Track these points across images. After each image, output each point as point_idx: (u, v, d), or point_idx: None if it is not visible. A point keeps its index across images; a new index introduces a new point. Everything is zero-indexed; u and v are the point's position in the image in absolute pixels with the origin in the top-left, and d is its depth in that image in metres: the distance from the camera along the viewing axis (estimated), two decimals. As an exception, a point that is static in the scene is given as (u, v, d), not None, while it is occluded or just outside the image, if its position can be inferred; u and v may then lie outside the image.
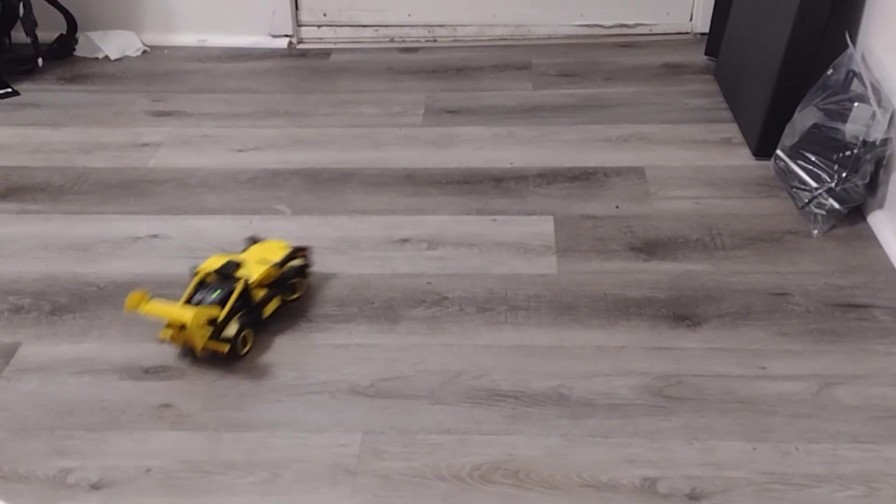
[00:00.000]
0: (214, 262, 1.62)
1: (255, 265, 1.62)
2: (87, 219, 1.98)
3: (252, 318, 1.59)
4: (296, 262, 1.70)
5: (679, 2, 2.80)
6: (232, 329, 1.55)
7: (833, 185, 1.86)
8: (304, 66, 2.73)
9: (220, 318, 1.53)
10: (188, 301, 1.56)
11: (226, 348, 1.54)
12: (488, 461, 1.37)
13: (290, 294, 1.69)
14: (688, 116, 2.35)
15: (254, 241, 1.74)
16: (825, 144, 1.88)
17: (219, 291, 1.57)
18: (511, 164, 2.16)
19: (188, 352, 1.58)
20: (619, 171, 2.11)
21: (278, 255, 1.67)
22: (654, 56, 2.71)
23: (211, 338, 1.53)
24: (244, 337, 1.58)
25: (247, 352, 1.59)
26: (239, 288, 1.56)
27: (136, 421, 1.46)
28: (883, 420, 1.43)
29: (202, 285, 1.59)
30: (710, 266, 1.79)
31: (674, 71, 2.61)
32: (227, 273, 1.59)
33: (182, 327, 1.50)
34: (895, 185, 1.82)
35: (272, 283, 1.64)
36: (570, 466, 1.36)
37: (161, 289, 1.74)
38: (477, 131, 2.31)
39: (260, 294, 1.61)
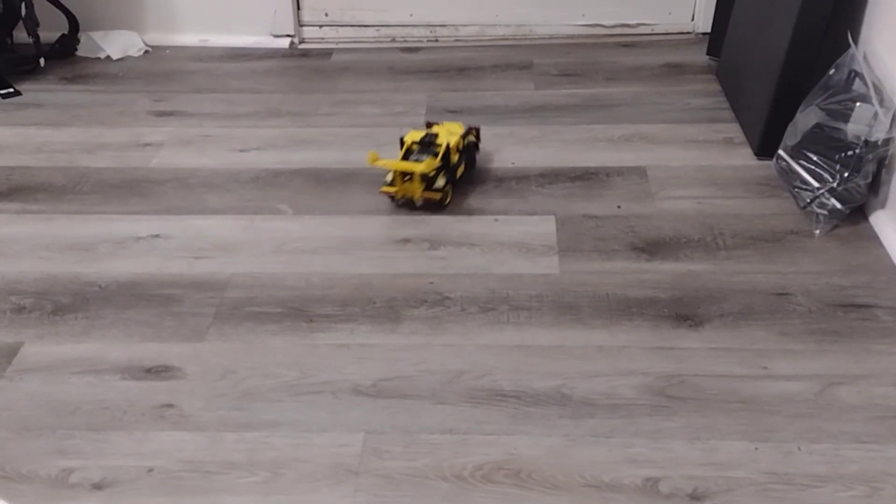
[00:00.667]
0: (415, 135, 1.99)
1: (449, 135, 1.97)
2: (89, 219, 1.98)
3: (451, 177, 1.96)
4: (471, 137, 2.03)
5: (681, 1, 2.80)
6: (441, 181, 1.92)
7: (835, 184, 1.85)
8: (305, 65, 2.73)
9: (431, 173, 1.91)
10: (415, 153, 1.95)
11: (438, 196, 1.92)
12: (490, 461, 1.37)
13: (470, 163, 2.04)
14: (689, 116, 2.35)
15: (430, 124, 2.06)
16: (827, 144, 1.88)
17: (427, 155, 1.92)
18: (513, 163, 2.16)
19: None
20: (620, 171, 2.11)
21: (459, 130, 2.00)
22: (655, 56, 2.71)
23: (426, 189, 1.92)
24: (447, 190, 1.94)
25: (448, 202, 1.96)
26: (443, 149, 1.93)
27: (138, 421, 1.46)
28: (885, 420, 1.43)
29: (409, 153, 1.95)
30: (711, 266, 1.78)
31: (675, 71, 2.61)
32: (428, 142, 1.95)
33: (408, 178, 1.91)
34: (897, 184, 1.82)
35: (461, 150, 1.99)
36: (571, 466, 1.36)
37: (162, 288, 1.75)
38: (478, 131, 2.31)
39: (454, 157, 1.96)
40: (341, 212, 1.99)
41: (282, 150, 2.25)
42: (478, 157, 2.10)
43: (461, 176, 2.02)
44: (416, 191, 1.92)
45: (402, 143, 1.98)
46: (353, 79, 2.63)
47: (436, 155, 1.91)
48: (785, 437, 1.40)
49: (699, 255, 1.82)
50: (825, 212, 1.87)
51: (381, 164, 1.91)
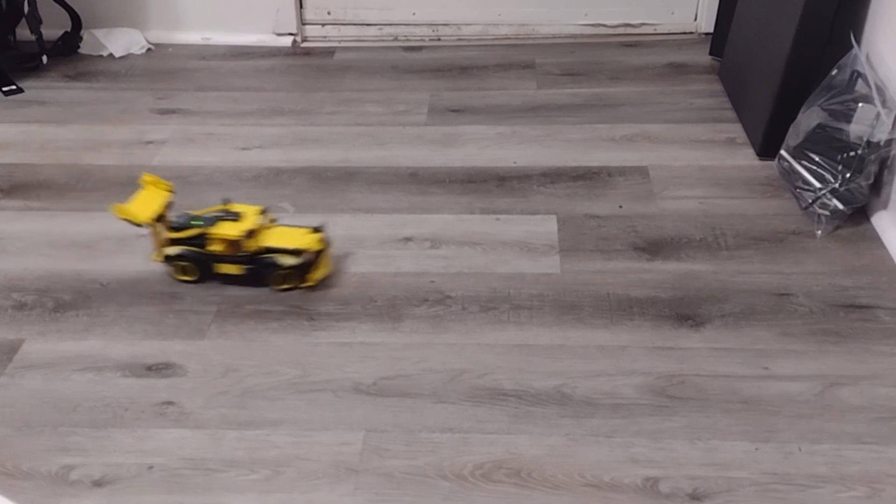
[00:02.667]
0: (239, 207, 1.76)
1: (235, 230, 1.71)
2: (92, 216, 1.98)
3: (200, 262, 1.74)
4: (285, 259, 1.71)
5: (684, 1, 2.80)
6: (172, 251, 1.73)
7: (837, 185, 1.85)
8: (308, 64, 2.73)
9: (171, 235, 1.73)
10: (184, 216, 1.75)
11: (157, 259, 1.75)
12: (491, 460, 1.37)
13: (270, 281, 1.74)
14: (692, 116, 2.35)
15: (317, 229, 1.76)
16: (829, 145, 1.88)
17: (199, 222, 1.72)
18: (515, 163, 2.16)
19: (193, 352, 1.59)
20: (622, 171, 2.11)
21: (280, 242, 1.73)
22: (658, 56, 2.71)
23: (161, 246, 1.74)
24: (183, 266, 1.74)
25: (183, 280, 1.76)
26: (194, 231, 1.72)
27: (139, 418, 1.46)
28: (887, 421, 1.43)
29: (209, 215, 1.74)
30: (713, 266, 1.78)
31: (678, 71, 2.61)
32: (211, 219, 1.73)
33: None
34: (900, 185, 1.82)
35: (242, 254, 1.72)
36: (572, 466, 1.36)
37: (165, 286, 1.75)
38: (481, 130, 2.31)
39: (217, 248, 1.72)
40: (343, 210, 1.99)
41: (284, 148, 2.25)
42: (292, 283, 1.75)
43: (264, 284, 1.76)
44: (153, 241, 1.75)
45: (223, 201, 1.78)
46: (355, 77, 2.63)
47: (185, 226, 1.73)
48: (786, 437, 1.40)
49: (701, 255, 1.82)
50: (827, 212, 1.87)
51: (144, 181, 1.75)
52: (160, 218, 1.73)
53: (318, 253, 1.74)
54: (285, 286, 1.74)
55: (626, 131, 2.28)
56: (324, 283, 1.75)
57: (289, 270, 1.71)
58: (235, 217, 1.73)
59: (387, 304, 1.70)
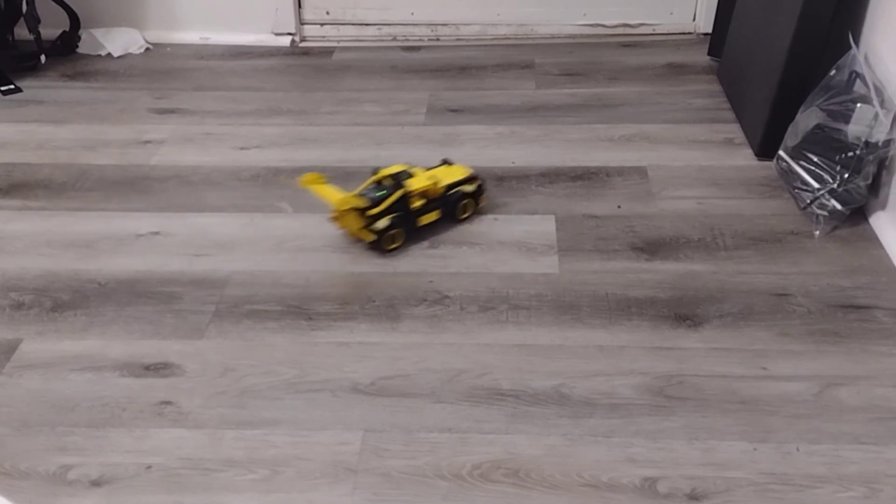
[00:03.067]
0: (393, 168, 1.87)
1: (424, 179, 1.86)
2: (90, 215, 1.98)
3: (406, 222, 1.83)
4: (467, 188, 1.90)
5: (682, 2, 2.80)
6: (382, 224, 1.79)
7: (835, 185, 1.85)
8: (307, 64, 2.73)
9: (372, 212, 1.79)
10: (366, 191, 1.84)
11: (370, 238, 1.80)
12: (489, 460, 1.37)
13: (457, 213, 1.91)
14: (690, 116, 2.35)
15: (446, 162, 1.96)
16: (827, 145, 1.88)
17: (384, 192, 1.81)
18: (513, 163, 2.16)
19: (193, 351, 1.59)
20: (621, 171, 2.11)
21: (453, 177, 1.90)
22: (656, 56, 2.71)
23: (363, 227, 1.80)
24: (392, 235, 1.82)
25: (393, 248, 1.83)
26: (397, 194, 1.81)
27: (137, 418, 1.46)
28: (884, 421, 1.43)
29: (378, 185, 1.85)
30: (712, 266, 1.78)
31: (677, 71, 2.61)
32: (398, 179, 1.83)
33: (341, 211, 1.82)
34: (898, 186, 1.82)
35: (436, 198, 1.86)
36: (570, 466, 1.36)
37: (162, 286, 1.75)
38: (480, 130, 2.31)
39: (418, 203, 1.84)
40: (342, 210, 1.99)
41: (283, 148, 2.25)
42: (470, 210, 1.94)
43: (461, 219, 1.92)
44: (352, 225, 1.83)
45: (374, 172, 1.89)
46: (354, 77, 2.63)
47: (384, 196, 1.80)
48: (784, 437, 1.40)
49: (699, 256, 1.82)
50: (825, 213, 1.87)
51: (313, 188, 1.84)
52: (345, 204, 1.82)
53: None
54: (467, 214, 1.92)
55: (624, 131, 2.29)
56: (323, 282, 1.75)
57: (469, 199, 1.90)
58: (407, 175, 1.86)
59: (385, 303, 1.70)
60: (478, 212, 1.94)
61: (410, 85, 2.57)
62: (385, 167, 1.88)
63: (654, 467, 1.36)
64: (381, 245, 1.81)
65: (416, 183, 1.84)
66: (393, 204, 1.80)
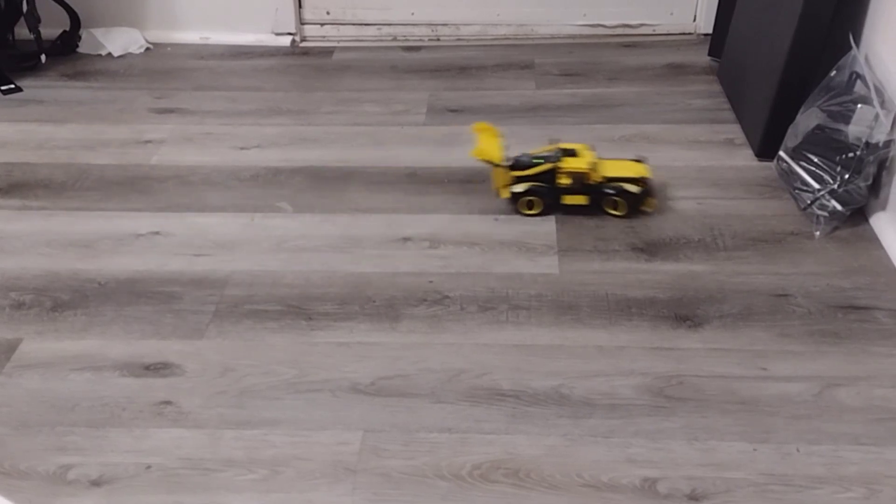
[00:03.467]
0: (570, 145, 1.94)
1: (582, 163, 1.89)
2: (90, 215, 1.98)
3: (548, 194, 1.92)
4: (629, 187, 1.89)
5: (682, 2, 2.80)
6: (519, 187, 1.91)
7: (835, 186, 1.85)
8: (307, 64, 2.73)
9: (516, 174, 1.90)
10: (525, 155, 1.94)
11: (505, 195, 1.94)
12: (489, 460, 1.37)
13: (605, 204, 1.92)
14: (691, 117, 2.35)
15: (639, 160, 1.96)
16: (828, 146, 1.88)
17: (539, 160, 1.90)
18: (513, 163, 2.15)
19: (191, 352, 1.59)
20: (621, 171, 2.11)
21: (619, 172, 1.90)
22: (657, 56, 2.71)
23: (505, 185, 1.93)
24: (530, 201, 1.92)
25: (530, 214, 1.93)
26: (545, 166, 1.89)
27: (137, 418, 1.46)
28: (884, 422, 1.43)
29: (548, 153, 1.92)
30: (711, 267, 1.78)
31: (677, 71, 2.61)
32: (557, 154, 1.91)
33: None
34: (898, 186, 1.82)
35: (589, 185, 1.90)
36: (570, 466, 1.36)
37: (162, 286, 1.75)
38: (479, 130, 2.31)
39: (565, 181, 1.90)
40: (341, 210, 1.99)
41: (283, 148, 2.25)
42: (622, 210, 1.93)
43: (612, 214, 1.93)
44: (499, 180, 1.94)
45: (550, 142, 1.99)
46: (354, 77, 2.63)
47: (531, 164, 1.91)
48: (784, 438, 1.40)
49: (699, 256, 1.82)
50: (825, 213, 1.87)
51: (476, 131, 1.95)
52: (496, 164, 1.92)
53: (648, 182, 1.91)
54: (622, 213, 1.91)
55: (624, 132, 2.29)
56: (323, 282, 1.76)
57: (631, 197, 1.89)
58: (573, 153, 1.90)
59: (385, 303, 1.70)
60: (635, 214, 1.93)
61: (410, 85, 2.57)
62: (564, 143, 1.96)
63: (654, 468, 1.36)
64: (516, 206, 1.92)
65: (571, 163, 1.89)
66: (539, 174, 1.89)
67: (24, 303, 1.72)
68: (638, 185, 1.90)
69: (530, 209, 1.92)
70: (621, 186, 1.89)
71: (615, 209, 1.92)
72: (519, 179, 1.90)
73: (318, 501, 1.32)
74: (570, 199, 1.92)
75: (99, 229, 1.93)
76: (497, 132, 1.95)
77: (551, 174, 1.90)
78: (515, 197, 1.92)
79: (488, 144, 1.93)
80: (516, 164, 1.91)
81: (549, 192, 1.91)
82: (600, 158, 1.93)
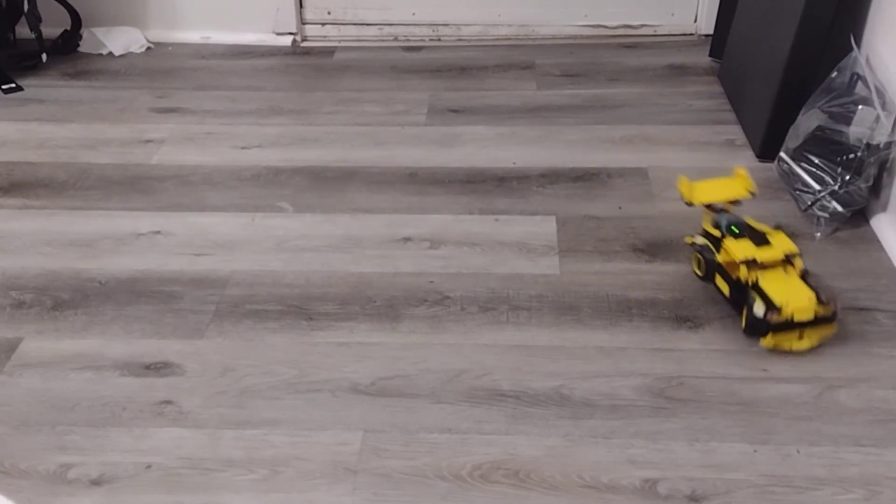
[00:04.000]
0: (775, 235, 1.64)
1: (743, 253, 1.58)
2: (90, 215, 1.98)
3: (709, 265, 1.70)
4: (756, 304, 1.54)
5: (683, 3, 2.80)
6: (699, 241, 1.72)
7: (836, 187, 1.85)
8: (307, 64, 2.73)
9: (709, 229, 1.70)
10: (733, 217, 1.69)
11: (688, 241, 1.77)
12: (489, 461, 1.37)
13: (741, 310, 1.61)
14: (691, 118, 2.35)
15: (829, 300, 1.56)
16: (829, 147, 1.88)
17: (736, 229, 1.64)
18: (514, 163, 2.15)
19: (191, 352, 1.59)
20: (622, 172, 2.11)
21: (778, 290, 1.54)
22: (658, 57, 2.71)
23: (699, 232, 1.74)
24: (698, 259, 1.73)
25: (694, 273, 1.75)
26: (713, 232, 1.68)
27: (137, 417, 1.46)
28: (885, 423, 1.43)
29: (744, 226, 1.66)
30: (712, 268, 1.78)
31: (678, 72, 2.61)
32: (743, 231, 1.64)
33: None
34: (899, 188, 1.82)
35: (733, 278, 1.62)
36: (570, 467, 1.36)
37: (163, 285, 1.74)
38: (480, 131, 2.31)
39: (724, 260, 1.64)
40: (342, 210, 1.99)
41: (283, 147, 2.25)
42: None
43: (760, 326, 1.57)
44: (703, 218, 1.72)
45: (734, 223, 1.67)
46: (355, 77, 2.63)
47: (720, 236, 1.66)
48: (784, 439, 1.40)
49: (700, 257, 1.81)
50: (826, 214, 1.87)
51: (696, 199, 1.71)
52: (711, 206, 1.71)
53: (802, 323, 1.54)
54: (752, 333, 1.57)
55: (625, 133, 2.28)
56: (323, 282, 1.75)
57: (759, 319, 1.54)
58: (762, 241, 1.61)
59: (385, 304, 1.70)
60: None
61: (411, 85, 2.57)
62: (773, 231, 1.66)
63: (655, 469, 1.35)
64: (691, 257, 1.76)
65: (734, 246, 1.61)
66: (713, 238, 1.68)
67: (25, 302, 1.72)
68: (768, 310, 1.53)
69: (697, 268, 1.74)
70: (750, 297, 1.56)
71: (748, 325, 1.58)
72: (706, 234, 1.70)
73: (317, 501, 1.32)
74: (718, 280, 1.68)
75: (99, 229, 1.93)
76: (751, 189, 1.70)
77: (717, 244, 1.66)
78: (693, 247, 1.74)
79: (717, 185, 1.72)
80: (713, 220, 1.69)
81: (711, 263, 1.69)
82: (791, 267, 1.61)
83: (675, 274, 1.77)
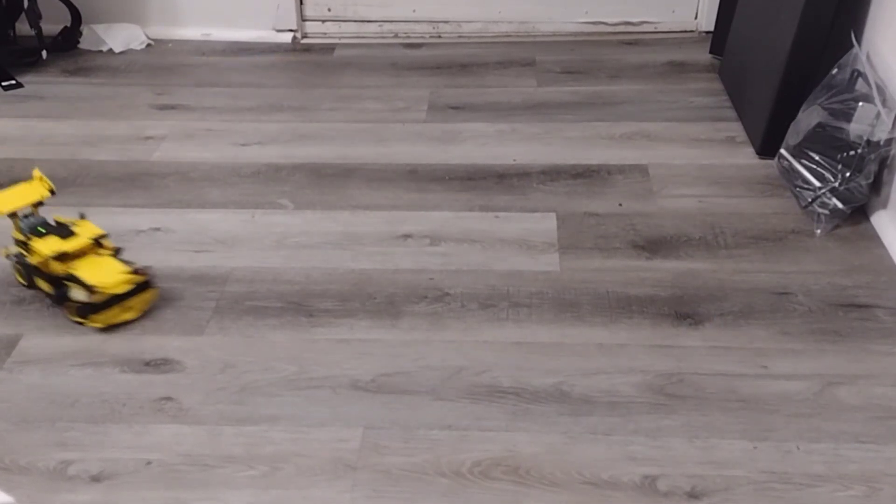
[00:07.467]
0: (81, 225, 1.69)
1: (50, 248, 1.62)
2: (91, 211, 1.97)
3: (26, 270, 1.70)
4: (77, 291, 1.61)
5: (684, 0, 2.80)
6: (13, 250, 1.70)
7: (837, 184, 1.85)
8: (308, 60, 2.73)
9: (15, 236, 1.68)
10: (39, 219, 1.69)
11: (3, 255, 1.74)
12: (489, 457, 1.37)
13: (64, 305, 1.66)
14: (692, 115, 2.35)
15: (139, 271, 1.65)
16: (829, 144, 1.88)
17: (42, 230, 1.66)
18: (514, 160, 2.15)
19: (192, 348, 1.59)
20: (622, 169, 2.11)
21: (92, 275, 1.61)
22: (658, 54, 2.71)
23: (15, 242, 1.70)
24: (18, 269, 1.71)
25: (19, 282, 1.72)
26: (17, 236, 1.68)
27: (137, 414, 1.46)
28: (884, 420, 1.43)
29: (46, 227, 1.68)
30: (712, 265, 1.78)
31: (678, 69, 2.61)
32: (52, 229, 1.67)
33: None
34: (899, 185, 1.82)
35: (49, 275, 1.64)
36: (570, 463, 1.36)
37: (164, 282, 1.74)
38: (480, 127, 2.31)
39: (37, 262, 1.66)
40: (342, 207, 1.99)
41: (284, 144, 2.25)
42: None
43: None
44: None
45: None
46: (355, 74, 2.63)
47: (24, 230, 1.67)
48: (784, 436, 1.40)
49: (700, 254, 1.81)
50: (826, 211, 1.87)
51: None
52: (14, 214, 1.68)
53: (122, 296, 1.62)
54: (76, 318, 1.64)
55: (625, 129, 2.28)
56: (323, 279, 1.75)
57: (79, 303, 1.61)
58: (68, 234, 1.66)
59: (385, 300, 1.70)
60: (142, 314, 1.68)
61: (411, 82, 2.57)
62: (83, 221, 1.71)
63: (654, 465, 1.36)
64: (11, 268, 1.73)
65: (40, 245, 1.64)
66: (22, 243, 1.67)
67: (25, 298, 1.72)
68: (86, 292, 1.59)
69: (20, 277, 1.71)
70: (67, 287, 1.61)
71: (70, 312, 1.65)
72: (17, 242, 1.68)
73: (317, 498, 1.32)
74: (39, 283, 1.68)
75: (100, 225, 1.92)
76: (49, 187, 1.71)
77: (27, 249, 1.66)
78: (10, 259, 1.72)
79: (16, 193, 1.69)
80: (22, 226, 1.67)
81: (27, 267, 1.68)
82: (104, 253, 1.67)
83: (675, 271, 1.77)
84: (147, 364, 1.56)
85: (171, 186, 2.07)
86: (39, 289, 1.70)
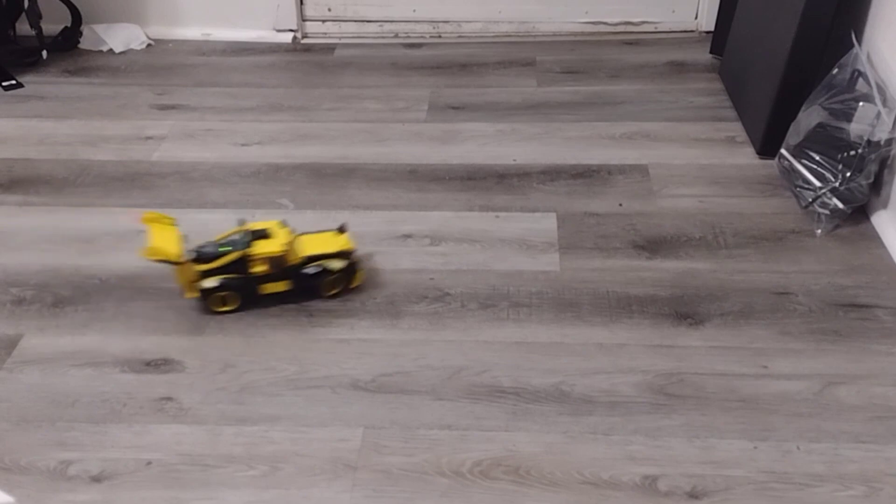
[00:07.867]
0: (260, 224, 1.69)
1: (276, 245, 1.65)
2: (91, 211, 1.98)
3: (243, 286, 1.65)
4: (333, 263, 1.67)
5: (684, 0, 2.80)
6: (209, 283, 1.63)
7: (837, 184, 1.85)
8: (308, 60, 2.73)
9: (202, 268, 1.63)
10: (209, 244, 1.65)
11: (192, 296, 1.66)
12: (489, 457, 1.37)
13: (321, 289, 1.69)
14: (692, 115, 2.35)
15: (341, 229, 1.74)
16: (829, 144, 1.88)
17: (228, 248, 1.63)
18: (514, 160, 2.15)
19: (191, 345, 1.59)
20: (622, 169, 2.11)
21: (318, 249, 1.68)
22: (658, 54, 2.70)
23: (191, 281, 1.65)
24: (223, 297, 1.65)
25: (224, 311, 1.66)
26: (232, 255, 1.62)
27: (137, 414, 1.46)
28: (884, 420, 1.43)
29: (235, 238, 1.66)
30: (712, 264, 1.78)
31: (678, 69, 2.61)
32: (246, 239, 1.65)
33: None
34: (899, 185, 1.82)
35: (287, 267, 1.66)
36: (570, 463, 1.36)
37: (164, 282, 1.74)
38: (481, 127, 2.31)
39: (260, 269, 1.65)
40: (342, 207, 1.99)
41: (284, 144, 2.25)
42: (339, 287, 1.72)
43: (279, 293, 1.69)
44: (181, 279, 1.67)
45: (240, 223, 1.70)
46: (355, 74, 2.63)
47: (220, 254, 1.63)
48: (784, 436, 1.40)
49: (700, 254, 1.81)
50: (827, 211, 1.87)
51: (150, 225, 1.66)
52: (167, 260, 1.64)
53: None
54: (335, 290, 1.70)
55: (625, 129, 2.28)
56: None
57: (338, 274, 1.68)
58: (264, 234, 1.66)
59: (386, 300, 1.70)
60: (353, 290, 1.72)
61: (412, 82, 2.57)
62: (257, 221, 1.72)
63: (654, 465, 1.36)
64: (207, 304, 1.65)
65: (263, 247, 1.64)
66: (228, 264, 1.63)
67: (25, 298, 1.72)
68: (342, 260, 1.68)
69: (225, 305, 1.66)
70: (324, 265, 1.66)
71: (331, 289, 1.69)
72: (206, 274, 1.63)
73: (317, 498, 1.32)
74: (269, 288, 1.67)
75: (100, 225, 1.93)
76: (172, 220, 1.69)
77: (243, 263, 1.63)
78: (206, 294, 1.64)
79: (162, 239, 1.63)
80: (200, 257, 1.63)
81: (245, 283, 1.65)
82: (298, 234, 1.72)
83: (675, 271, 1.77)
84: (147, 364, 1.56)
85: (171, 186, 2.07)
86: (260, 297, 1.67)
